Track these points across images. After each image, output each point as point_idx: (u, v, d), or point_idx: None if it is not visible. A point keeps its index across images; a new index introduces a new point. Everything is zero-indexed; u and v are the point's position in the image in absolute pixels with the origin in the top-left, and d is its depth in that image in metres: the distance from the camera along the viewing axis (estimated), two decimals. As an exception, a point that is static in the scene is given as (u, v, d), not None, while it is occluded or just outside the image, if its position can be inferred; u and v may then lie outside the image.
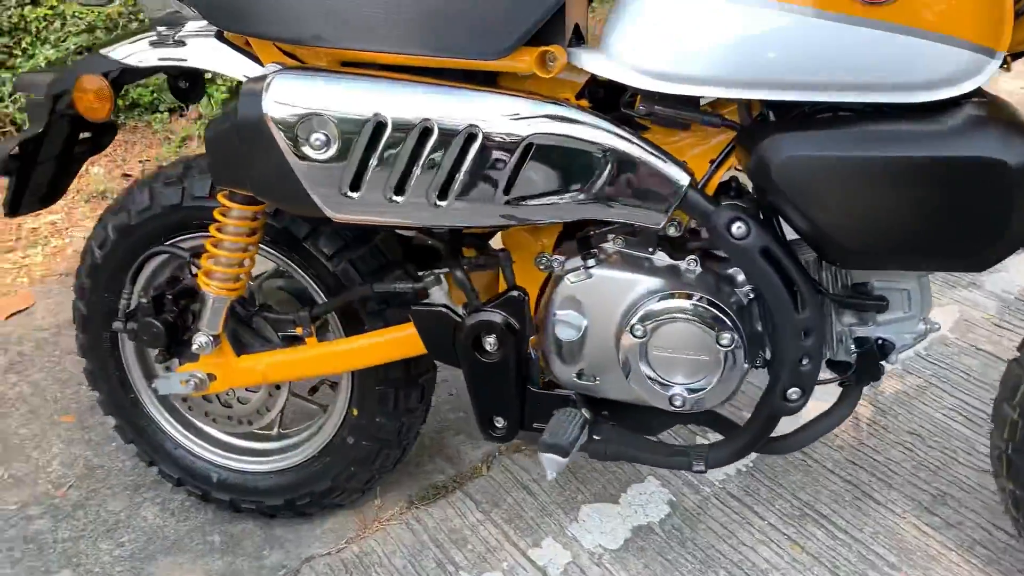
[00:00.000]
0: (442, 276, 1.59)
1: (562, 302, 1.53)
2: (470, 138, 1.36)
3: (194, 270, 1.76)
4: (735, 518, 2.00)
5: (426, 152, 1.37)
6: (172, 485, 2.07)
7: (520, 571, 1.89)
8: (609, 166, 1.38)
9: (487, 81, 1.43)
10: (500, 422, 1.60)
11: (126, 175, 3.80)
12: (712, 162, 1.48)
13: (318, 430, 1.94)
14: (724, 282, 1.50)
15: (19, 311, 2.96)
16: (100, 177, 3.74)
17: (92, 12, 3.78)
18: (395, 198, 1.40)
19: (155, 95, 3.99)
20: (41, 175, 1.86)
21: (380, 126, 1.36)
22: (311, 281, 1.76)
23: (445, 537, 1.98)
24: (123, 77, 1.69)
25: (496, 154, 1.37)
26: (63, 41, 3.73)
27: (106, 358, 1.96)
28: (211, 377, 1.78)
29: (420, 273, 1.60)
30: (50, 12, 3.70)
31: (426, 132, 1.36)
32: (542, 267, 1.56)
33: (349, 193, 1.40)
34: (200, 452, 2.01)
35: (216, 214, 1.64)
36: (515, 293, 1.52)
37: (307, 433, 1.97)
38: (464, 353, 1.55)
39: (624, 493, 2.09)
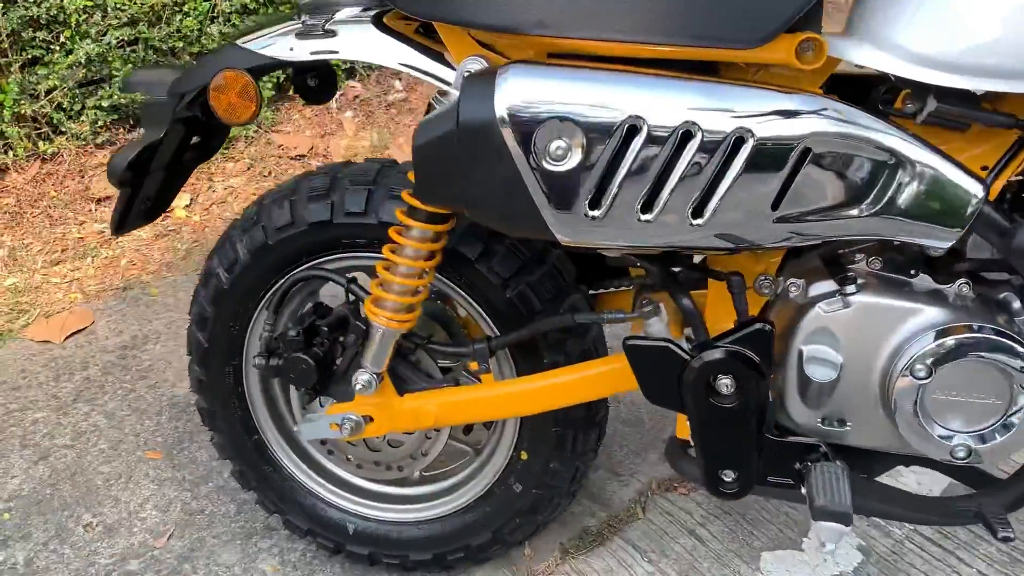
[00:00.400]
0: (661, 305, 1.35)
1: (812, 335, 1.30)
2: (738, 142, 1.13)
3: (351, 297, 1.52)
4: (938, 566, 1.78)
5: (686, 160, 1.13)
6: (299, 536, 1.82)
7: (709, 633, 1.66)
8: (898, 175, 1.15)
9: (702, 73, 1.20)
10: (730, 476, 1.37)
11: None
12: (987, 169, 1.25)
13: (473, 475, 1.70)
14: (1000, 309, 1.28)
15: (78, 330, 2.70)
16: (146, 181, 3.47)
17: (134, 4, 3.51)
18: (643, 216, 1.16)
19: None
20: (149, 186, 1.62)
21: (632, 130, 1.13)
22: (479, 308, 1.52)
23: (614, 593, 1.75)
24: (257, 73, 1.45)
25: (768, 161, 1.14)
26: (104, 35, 3.45)
27: (228, 396, 1.71)
28: (367, 419, 1.54)
29: (642, 300, 1.36)
30: (90, 3, 3.42)
31: (687, 136, 1.13)
32: (765, 292, 1.34)
33: (589, 212, 1.16)
34: (334, 500, 1.76)
35: (393, 234, 1.40)
36: (761, 326, 1.29)
37: (459, 477, 1.73)
38: (694, 396, 1.31)
39: (806, 538, 1.86)
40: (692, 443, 1.38)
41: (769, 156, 1.13)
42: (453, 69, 1.32)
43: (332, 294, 1.69)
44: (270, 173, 3.62)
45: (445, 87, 1.30)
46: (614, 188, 1.14)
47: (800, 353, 1.32)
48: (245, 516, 1.98)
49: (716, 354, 1.29)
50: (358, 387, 1.47)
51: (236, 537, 1.93)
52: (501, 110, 1.12)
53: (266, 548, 1.89)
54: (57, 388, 2.44)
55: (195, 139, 1.63)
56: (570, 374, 1.45)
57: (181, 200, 3.42)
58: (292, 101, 4.03)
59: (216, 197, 3.45)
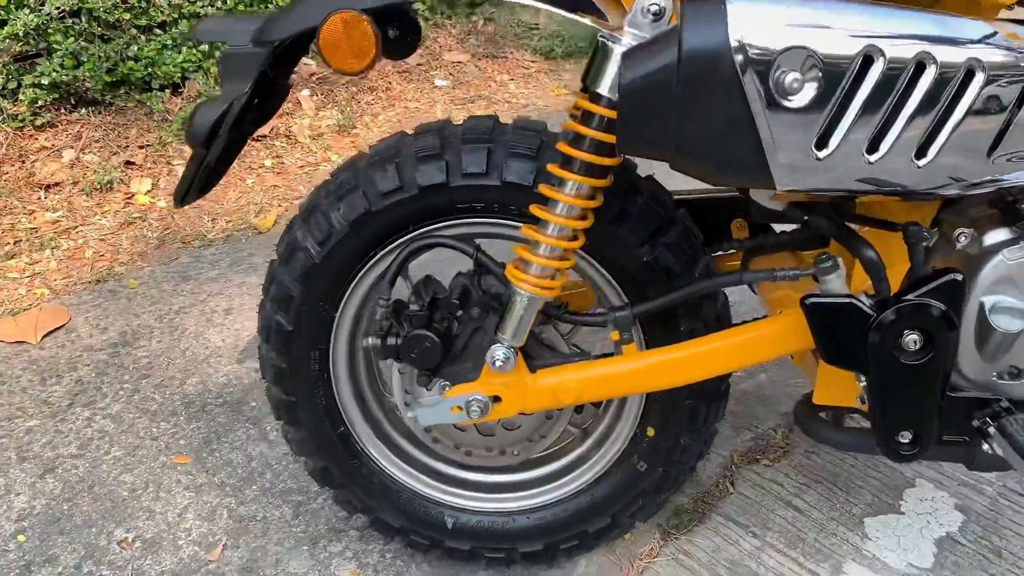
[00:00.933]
0: (839, 260, 1.26)
1: (995, 285, 1.25)
2: (968, 75, 1.05)
3: (481, 268, 1.37)
4: (1036, 520, 1.77)
5: (920, 94, 1.05)
6: (389, 535, 1.66)
7: (838, 605, 1.60)
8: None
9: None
10: (907, 437, 1.30)
11: (128, 163, 3.23)
12: None
13: (588, 455, 1.58)
14: None
15: (55, 329, 2.41)
16: (96, 166, 3.16)
17: (75, -31, 3.18)
18: (869, 157, 1.08)
19: (148, 70, 3.42)
20: (212, 153, 1.43)
21: (867, 61, 1.03)
22: (607, 275, 1.41)
23: (729, 572, 1.66)
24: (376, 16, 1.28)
25: (994, 96, 1.07)
26: (43, 5, 3.12)
27: (313, 385, 1.52)
28: (495, 400, 1.39)
29: (818, 255, 1.27)
30: (25, -31, 3.08)
31: (920, 68, 1.05)
32: (924, 243, 1.28)
33: (816, 153, 1.06)
34: (431, 493, 1.61)
35: (545, 190, 1.26)
36: (954, 276, 1.22)
37: (571, 459, 1.60)
38: (880, 354, 1.24)
39: (902, 501, 1.83)
40: (864, 405, 1.31)
41: (997, 91, 1.07)
42: (596, 7, 1.21)
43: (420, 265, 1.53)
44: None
45: (608, 24, 1.18)
46: (845, 125, 1.05)
47: (981, 304, 1.26)
48: (305, 519, 1.79)
49: (908, 308, 1.22)
50: (497, 363, 1.33)
51: (301, 543, 1.74)
52: (735, 38, 1.00)
53: (338, 552, 1.72)
54: (46, 392, 2.16)
55: (255, 100, 1.44)
56: (732, 337, 1.35)
57: (142, 184, 3.13)
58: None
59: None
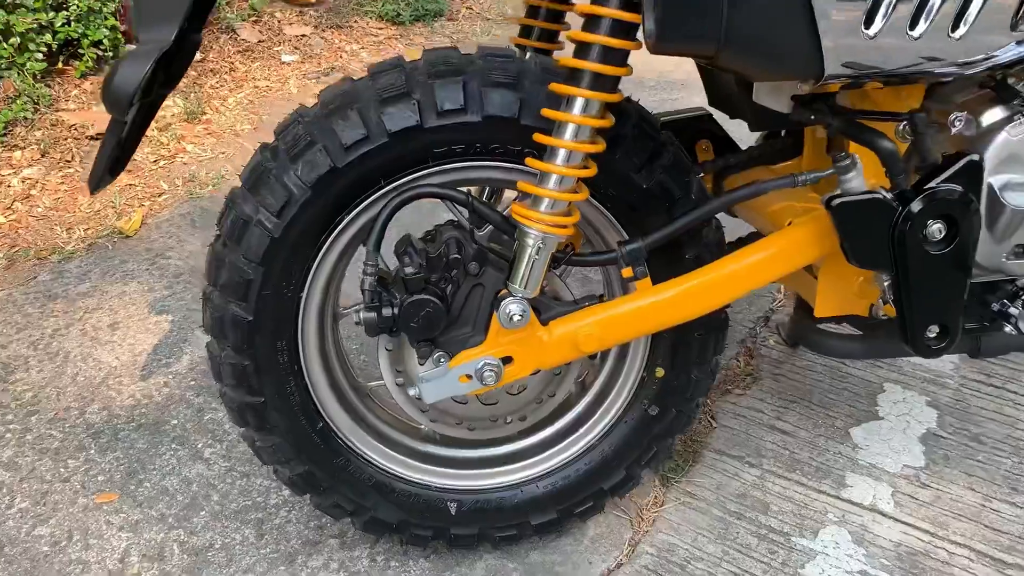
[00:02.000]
0: (857, 157, 1.20)
1: (1001, 164, 1.23)
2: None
3: (470, 216, 1.22)
4: (998, 402, 1.83)
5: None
6: (385, 534, 1.48)
7: (853, 517, 1.58)
8: None
9: None
10: (935, 331, 1.27)
11: None
12: None
13: (591, 410, 1.47)
14: None
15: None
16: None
17: None
18: (911, 33, 1.01)
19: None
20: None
21: (908, -73, 0.97)
22: (604, 210, 1.29)
23: (739, 505, 1.61)
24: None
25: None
26: None
27: (283, 379, 1.32)
28: (507, 361, 1.25)
29: (835, 155, 1.20)
30: None
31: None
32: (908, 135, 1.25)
33: (865, 31, 0.99)
34: (429, 480, 1.44)
35: (550, 113, 1.13)
36: (971, 157, 1.19)
37: (573, 417, 1.48)
38: (908, 247, 1.19)
39: (878, 406, 1.83)
40: (884, 307, 1.27)
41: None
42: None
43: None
44: (73, 158, 2.98)
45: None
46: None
47: (989, 186, 1.24)
48: (273, 537, 1.58)
49: (932, 196, 1.18)
50: (514, 318, 1.19)
51: (275, 564, 1.53)
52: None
53: (320, 566, 1.52)
54: (-89, 451, 1.81)
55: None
56: (750, 256, 1.27)
57: (-29, 201, 2.71)
58: (66, 75, 3.34)
59: (17, 193, 2.77)
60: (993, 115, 1.25)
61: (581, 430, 1.46)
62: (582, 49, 1.10)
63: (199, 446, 1.79)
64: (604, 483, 1.47)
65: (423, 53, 1.28)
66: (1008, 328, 1.29)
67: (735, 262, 1.27)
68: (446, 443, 1.48)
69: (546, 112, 1.14)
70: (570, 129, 1.12)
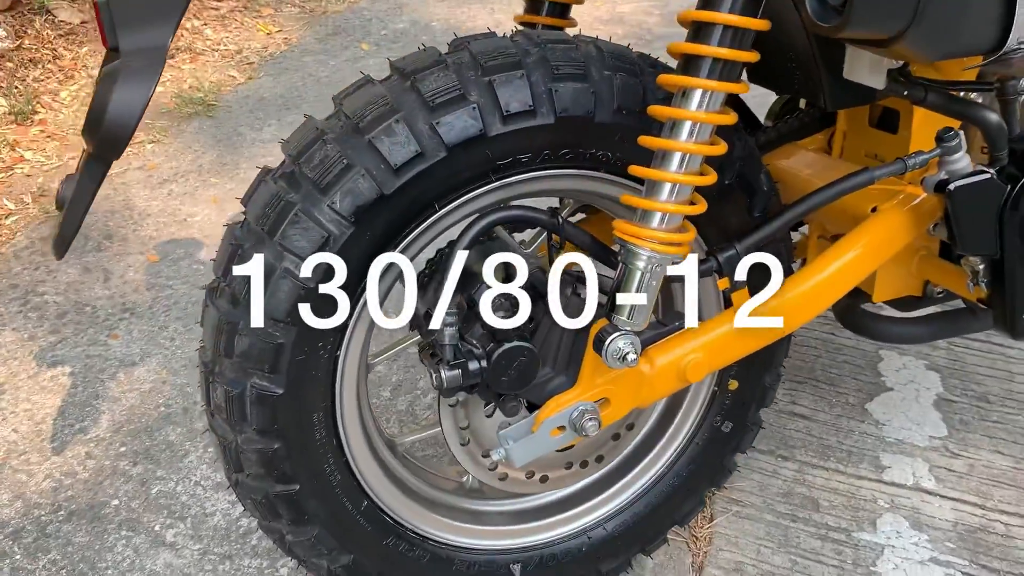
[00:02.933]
0: (963, 135, 1.09)
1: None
2: None
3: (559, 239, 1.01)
4: (989, 357, 1.83)
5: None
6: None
7: (902, 500, 1.52)
8: None
9: None
10: (1032, 312, 1.20)
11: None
12: None
13: (655, 438, 1.31)
14: None
15: None
16: None
17: None
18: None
19: None
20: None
21: None
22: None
23: (788, 506, 1.51)
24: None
25: None
26: None
27: (321, 459, 1.07)
28: (603, 403, 1.06)
29: (941, 133, 1.08)
30: None
31: None
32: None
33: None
34: (489, 543, 1.24)
35: (658, 110, 0.94)
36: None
37: (637, 442, 1.32)
38: (1019, 228, 1.11)
39: (883, 377, 1.79)
40: (976, 290, 1.18)
41: None
42: None
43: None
44: None
45: None
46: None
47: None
48: (284, 631, 1.32)
49: (1042, 171, 1.09)
50: (629, 357, 0.99)
51: (299, 664, 1.28)
52: None
53: (356, 657, 1.28)
54: None
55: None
56: (848, 252, 1.14)
57: None
58: None
59: None
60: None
61: (647, 458, 1.30)
62: (703, 32, 0.91)
63: (156, 528, 1.48)
64: (677, 513, 1.32)
65: (454, 42, 1.04)
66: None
67: (832, 262, 1.13)
68: (497, 496, 1.27)
69: (652, 110, 0.94)
70: (687, 128, 0.93)
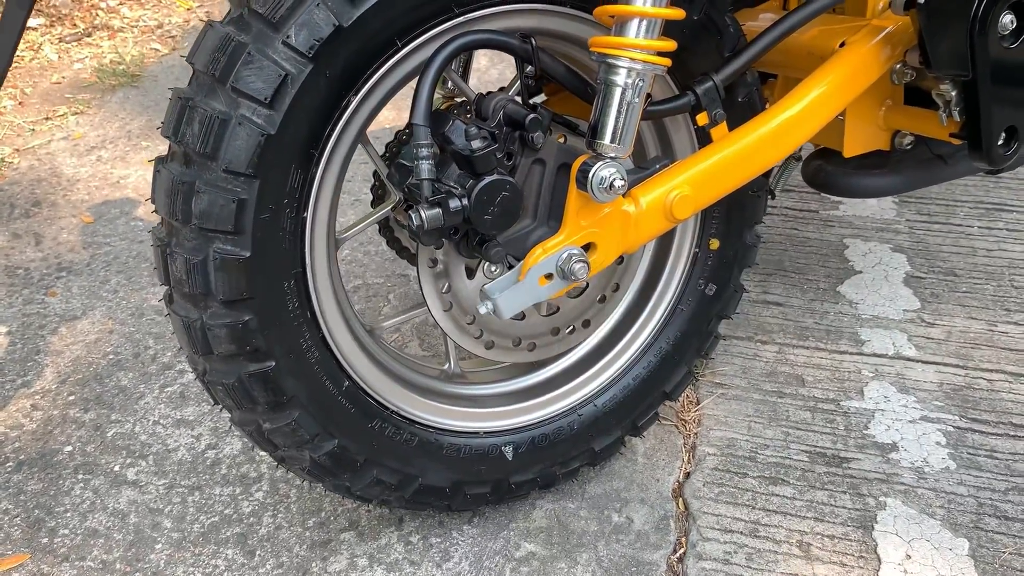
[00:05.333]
0: (926, -53, 1.07)
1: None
2: None
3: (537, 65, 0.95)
4: (950, 236, 1.84)
5: None
6: (439, 504, 1.19)
7: (886, 368, 1.50)
8: None
9: None
10: (1002, 137, 1.18)
11: None
12: None
13: (641, 305, 1.27)
14: None
15: None
16: None
17: None
18: None
19: None
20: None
21: None
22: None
23: (774, 384, 1.48)
24: None
25: None
26: None
27: (297, 331, 1.00)
28: (588, 248, 1.01)
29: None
30: None
31: None
32: None
33: None
34: (477, 425, 1.17)
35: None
36: (1031, -63, 1.10)
37: (622, 311, 1.27)
38: (986, 42, 1.09)
39: (850, 262, 1.78)
40: (964, 117, 1.16)
41: None
42: None
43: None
44: None
45: None
46: None
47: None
48: (267, 551, 1.24)
49: (1008, -16, 1.08)
50: (616, 184, 0.94)
51: (289, 573, 1.20)
52: None
53: (345, 567, 1.21)
54: None
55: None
56: (819, 85, 1.11)
57: None
58: None
59: None
60: None
61: (633, 328, 1.25)
62: None
63: (116, 468, 1.39)
64: (666, 384, 1.28)
65: None
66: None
67: (805, 95, 1.10)
68: (483, 380, 1.22)
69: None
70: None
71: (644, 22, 0.91)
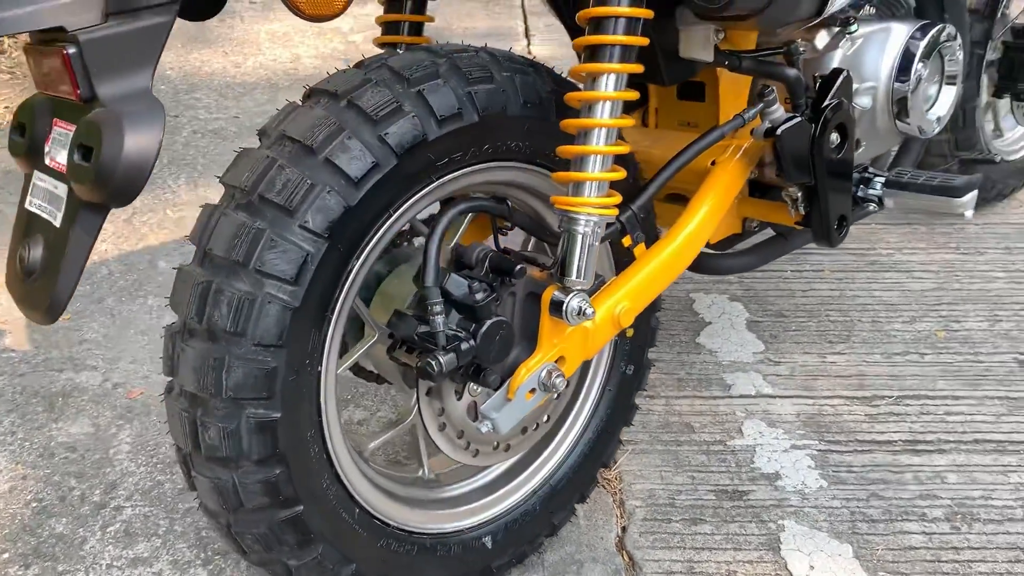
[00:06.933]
0: (774, 88, 1.36)
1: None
2: None
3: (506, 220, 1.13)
4: (772, 281, 2.20)
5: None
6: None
7: (753, 407, 1.80)
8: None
9: None
10: (835, 222, 1.50)
11: None
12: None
13: (578, 390, 1.46)
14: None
15: None
16: None
17: None
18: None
19: None
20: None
21: None
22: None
23: (670, 434, 1.73)
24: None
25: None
26: None
27: (318, 476, 1.11)
28: (559, 361, 1.20)
29: (761, 90, 1.34)
30: None
31: None
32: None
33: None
34: (462, 523, 1.32)
35: (577, 96, 1.09)
36: (845, 71, 1.42)
37: (565, 402, 1.46)
38: (823, 156, 1.40)
39: (699, 314, 2.08)
40: (808, 211, 1.47)
41: None
42: None
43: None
44: None
45: None
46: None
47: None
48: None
49: (834, 109, 1.39)
50: (587, 312, 1.14)
51: None
52: None
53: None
54: None
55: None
56: (711, 197, 1.37)
57: None
58: None
59: None
60: (822, 39, 1.49)
61: (573, 413, 1.45)
62: (602, 25, 1.08)
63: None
64: (604, 455, 1.48)
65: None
66: (872, 207, 1.57)
67: (698, 212, 1.36)
68: (454, 479, 1.36)
69: (574, 96, 1.10)
70: (607, 107, 1.10)
71: (595, 184, 1.12)
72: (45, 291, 0.86)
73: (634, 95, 1.12)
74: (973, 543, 1.49)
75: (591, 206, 1.12)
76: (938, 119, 1.63)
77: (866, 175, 1.56)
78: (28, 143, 0.95)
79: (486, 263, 1.12)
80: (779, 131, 1.33)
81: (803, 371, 1.90)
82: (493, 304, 1.09)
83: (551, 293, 1.15)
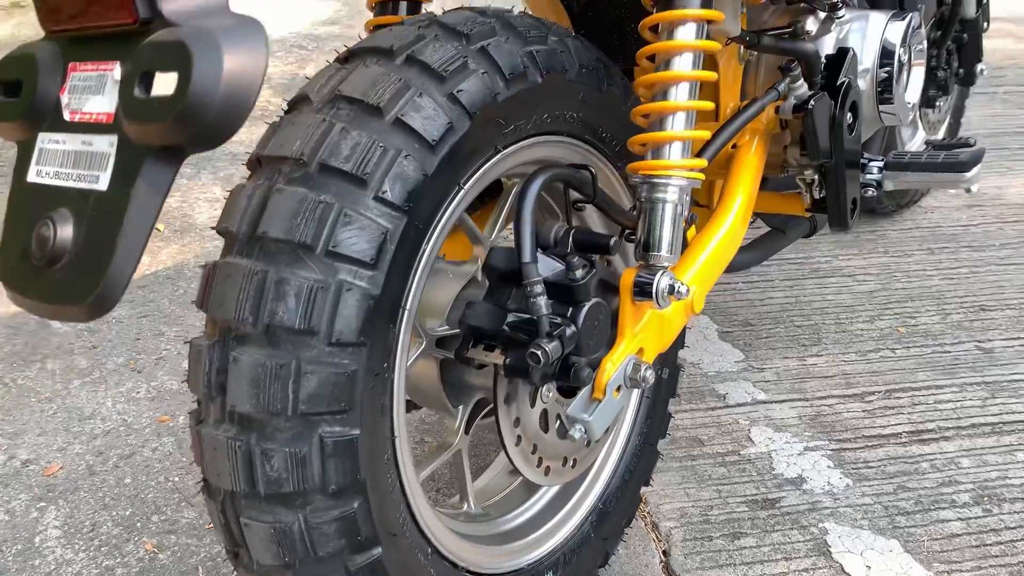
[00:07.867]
0: (798, 64, 1.31)
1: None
2: None
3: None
4: (732, 295, 2.16)
5: None
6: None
7: (756, 415, 1.72)
8: None
9: None
10: (850, 204, 1.47)
11: None
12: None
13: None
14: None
15: None
16: None
17: None
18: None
19: None
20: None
21: None
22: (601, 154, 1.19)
23: (683, 451, 1.62)
24: None
25: None
26: None
27: (395, 510, 0.91)
28: (639, 353, 1.07)
29: (785, 67, 1.29)
30: None
31: None
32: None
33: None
34: (524, 560, 1.14)
35: (661, 47, 0.98)
36: (850, 48, 1.40)
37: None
38: (842, 133, 1.37)
39: (673, 329, 1.99)
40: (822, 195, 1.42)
41: None
42: None
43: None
44: None
45: None
46: None
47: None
48: None
49: (847, 87, 1.37)
50: (679, 291, 1.01)
51: None
52: None
53: None
54: None
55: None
56: (743, 180, 1.29)
57: None
58: None
59: None
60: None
61: (611, 436, 1.31)
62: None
63: None
64: (647, 472, 1.35)
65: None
66: (870, 191, 1.55)
67: (738, 186, 1.28)
68: (500, 512, 1.18)
69: (657, 46, 0.99)
70: (689, 58, 0.99)
71: (682, 144, 1.00)
72: (90, 276, 0.64)
73: (716, 45, 1.03)
74: (1009, 523, 1.45)
75: (682, 168, 1.00)
76: (912, 105, 1.64)
77: (862, 161, 1.54)
78: (26, 103, 0.73)
79: (569, 241, 0.97)
80: (810, 104, 1.28)
81: (788, 375, 1.84)
82: (592, 283, 0.94)
83: (632, 274, 1.02)
